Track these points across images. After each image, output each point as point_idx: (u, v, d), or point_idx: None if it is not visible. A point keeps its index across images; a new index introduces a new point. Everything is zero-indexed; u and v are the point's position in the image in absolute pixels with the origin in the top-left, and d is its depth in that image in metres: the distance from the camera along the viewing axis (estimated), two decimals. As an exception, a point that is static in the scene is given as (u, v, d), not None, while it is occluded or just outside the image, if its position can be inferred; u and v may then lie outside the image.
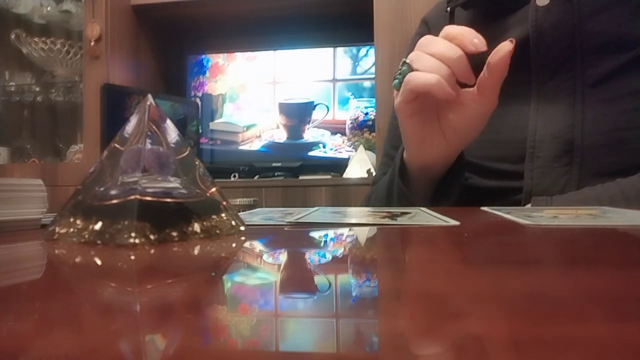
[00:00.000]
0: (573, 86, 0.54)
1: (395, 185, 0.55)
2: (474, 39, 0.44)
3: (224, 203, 0.29)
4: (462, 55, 0.45)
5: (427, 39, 0.47)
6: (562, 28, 0.55)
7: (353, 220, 0.36)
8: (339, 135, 1.73)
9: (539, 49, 0.56)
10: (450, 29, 0.46)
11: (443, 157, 0.53)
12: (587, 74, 0.54)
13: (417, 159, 0.53)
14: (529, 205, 0.52)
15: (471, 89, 0.47)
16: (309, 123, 1.75)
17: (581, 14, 0.54)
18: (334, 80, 1.75)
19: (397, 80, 0.48)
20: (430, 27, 0.70)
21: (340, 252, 0.24)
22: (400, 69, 0.48)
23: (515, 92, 0.58)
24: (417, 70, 0.46)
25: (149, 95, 0.29)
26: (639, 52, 0.53)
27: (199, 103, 1.82)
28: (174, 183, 0.27)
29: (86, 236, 0.25)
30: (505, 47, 0.44)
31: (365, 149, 1.61)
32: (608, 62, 0.53)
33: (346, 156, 1.67)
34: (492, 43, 0.60)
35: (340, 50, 1.76)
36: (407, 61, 0.47)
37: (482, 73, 0.46)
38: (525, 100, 0.57)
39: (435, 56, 0.46)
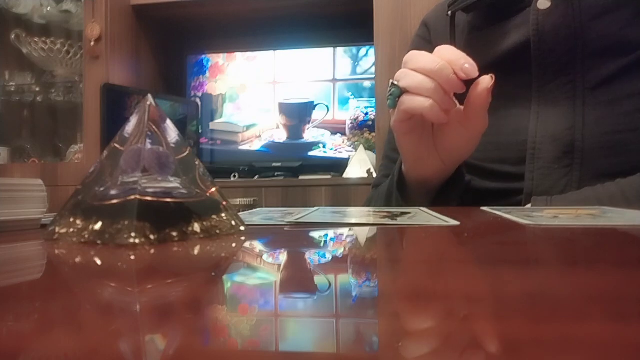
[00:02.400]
0: (574, 89, 0.54)
1: (393, 198, 0.56)
2: (464, 65, 0.43)
3: (224, 203, 0.29)
4: (445, 66, 0.44)
5: (410, 55, 0.47)
6: (563, 31, 0.55)
7: (353, 220, 0.36)
8: (339, 135, 1.73)
9: (540, 52, 0.56)
10: (442, 52, 0.45)
11: (439, 173, 0.53)
12: (587, 76, 0.54)
13: (414, 173, 0.54)
14: (529, 206, 0.52)
15: (461, 108, 0.47)
16: (309, 123, 1.75)
17: (582, 17, 0.54)
18: (334, 80, 1.75)
19: (390, 101, 0.48)
20: (431, 29, 0.70)
21: (340, 252, 0.24)
22: (391, 90, 0.48)
23: (516, 95, 0.58)
24: (405, 88, 0.46)
25: (149, 95, 0.29)
26: (639, 55, 0.53)
27: (199, 103, 1.82)
28: (174, 183, 0.27)
29: (86, 236, 0.25)
30: (485, 82, 0.44)
31: (365, 149, 1.61)
32: (609, 65, 0.53)
33: (346, 156, 1.67)
34: (493, 46, 0.60)
35: (340, 50, 1.76)
36: (395, 82, 0.47)
37: (466, 100, 0.46)
38: (526, 103, 0.57)
39: (419, 71, 0.45)
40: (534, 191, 0.54)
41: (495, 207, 0.43)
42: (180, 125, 1.67)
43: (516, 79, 0.58)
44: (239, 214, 0.33)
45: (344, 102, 1.74)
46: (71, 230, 0.26)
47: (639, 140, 0.52)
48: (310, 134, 1.75)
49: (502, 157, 0.58)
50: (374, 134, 1.62)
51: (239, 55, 1.83)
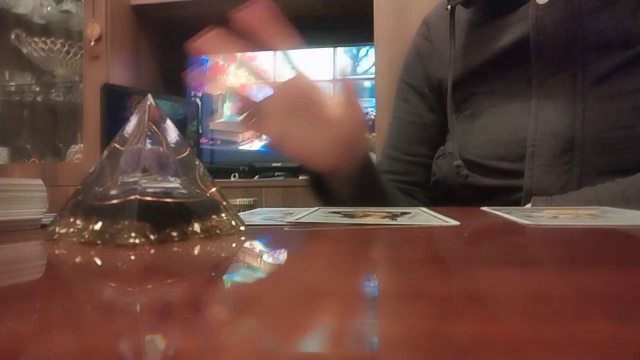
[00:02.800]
0: (573, 84, 0.54)
1: (316, 196, 0.57)
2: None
3: (224, 203, 0.29)
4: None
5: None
6: (563, 26, 0.55)
7: (353, 220, 0.36)
8: (339, 135, 1.73)
9: (539, 47, 0.56)
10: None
11: (333, 167, 0.52)
12: (587, 72, 0.54)
13: (314, 167, 0.54)
14: (528, 205, 0.52)
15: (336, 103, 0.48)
16: (309, 123, 1.75)
17: (581, 11, 0.54)
18: (334, 80, 1.75)
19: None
20: (431, 27, 0.70)
21: (340, 252, 0.24)
22: None
23: (515, 91, 0.58)
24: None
25: (149, 95, 0.29)
26: (639, 50, 0.52)
27: (199, 103, 1.82)
28: (174, 183, 0.27)
29: (86, 236, 0.25)
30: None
31: (365, 149, 1.61)
32: (608, 60, 0.53)
33: (346, 156, 1.67)
34: (492, 42, 0.60)
35: (340, 50, 1.76)
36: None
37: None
38: (525, 99, 0.57)
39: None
40: (534, 189, 0.54)
41: (495, 207, 0.43)
42: (180, 125, 1.67)
43: (516, 75, 0.58)
44: (239, 214, 0.33)
45: (344, 102, 1.74)
46: (71, 230, 0.26)
47: (639, 138, 0.52)
48: (310, 134, 1.75)
49: (501, 154, 0.58)
50: (374, 134, 1.62)
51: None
